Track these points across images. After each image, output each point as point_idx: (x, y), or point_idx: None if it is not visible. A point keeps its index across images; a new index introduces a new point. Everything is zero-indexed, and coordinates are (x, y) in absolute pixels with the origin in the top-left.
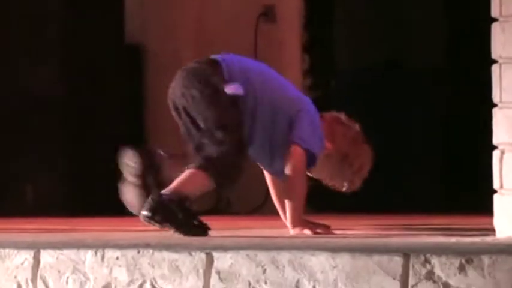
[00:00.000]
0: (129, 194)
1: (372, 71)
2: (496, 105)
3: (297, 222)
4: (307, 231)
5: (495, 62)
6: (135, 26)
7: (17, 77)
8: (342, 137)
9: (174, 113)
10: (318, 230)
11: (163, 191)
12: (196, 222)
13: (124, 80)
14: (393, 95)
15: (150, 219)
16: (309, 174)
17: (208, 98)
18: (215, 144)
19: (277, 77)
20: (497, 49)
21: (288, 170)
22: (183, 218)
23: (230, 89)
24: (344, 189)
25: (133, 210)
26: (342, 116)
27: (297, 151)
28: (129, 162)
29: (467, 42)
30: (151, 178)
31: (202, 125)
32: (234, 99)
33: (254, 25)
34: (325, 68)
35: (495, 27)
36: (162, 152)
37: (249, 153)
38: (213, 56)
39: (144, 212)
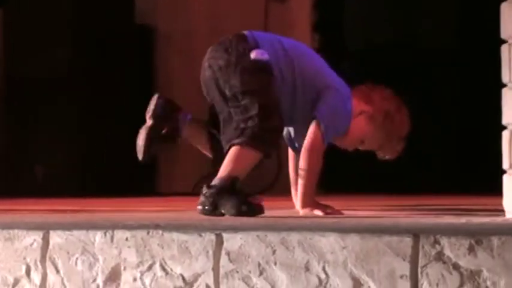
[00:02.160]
0: (139, 136)
1: (382, 51)
2: (505, 85)
3: (307, 202)
4: (317, 212)
5: (504, 42)
6: (145, 6)
7: (27, 58)
8: (379, 97)
9: (204, 92)
10: (329, 211)
11: (214, 181)
12: (244, 207)
13: (134, 61)
14: (403, 75)
15: (203, 213)
16: (360, 148)
17: (233, 65)
18: (242, 112)
19: (312, 53)
20: (506, 29)
21: (304, 146)
22: (233, 202)
23: (254, 54)
24: (391, 153)
25: (139, 154)
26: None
27: (315, 128)
28: (151, 103)
29: (477, 22)
30: (163, 124)
31: (228, 93)
32: (261, 64)
33: (264, 5)
34: (336, 48)
35: (504, 8)
36: (187, 114)
37: None
38: (242, 32)
39: (199, 207)
